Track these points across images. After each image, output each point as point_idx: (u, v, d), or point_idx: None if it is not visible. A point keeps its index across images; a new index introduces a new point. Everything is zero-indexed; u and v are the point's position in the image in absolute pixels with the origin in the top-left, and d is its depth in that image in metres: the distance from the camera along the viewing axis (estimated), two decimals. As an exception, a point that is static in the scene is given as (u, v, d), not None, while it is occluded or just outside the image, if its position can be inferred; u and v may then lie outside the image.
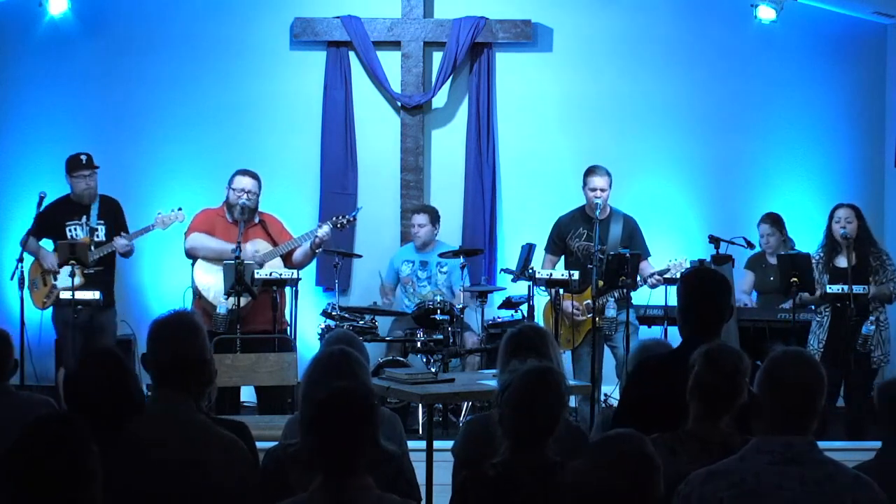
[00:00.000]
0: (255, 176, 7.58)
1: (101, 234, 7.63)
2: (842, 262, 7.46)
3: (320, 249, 7.66)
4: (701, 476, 3.02)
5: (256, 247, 7.47)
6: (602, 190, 7.56)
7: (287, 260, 7.61)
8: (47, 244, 7.65)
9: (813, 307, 7.56)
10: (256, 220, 7.59)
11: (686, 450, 3.37)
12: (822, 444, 3.08)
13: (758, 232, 8.09)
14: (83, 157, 7.60)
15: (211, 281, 7.43)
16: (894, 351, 7.90)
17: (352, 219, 7.82)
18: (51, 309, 7.62)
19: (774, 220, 8.08)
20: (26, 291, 7.50)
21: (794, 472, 2.96)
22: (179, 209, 7.68)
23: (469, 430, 4.29)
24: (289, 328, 7.46)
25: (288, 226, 7.81)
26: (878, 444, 3.81)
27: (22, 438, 2.73)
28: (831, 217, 7.57)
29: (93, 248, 7.40)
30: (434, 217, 8.37)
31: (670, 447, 3.36)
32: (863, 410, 7.29)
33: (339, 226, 7.73)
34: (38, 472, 2.68)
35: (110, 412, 3.22)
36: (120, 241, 7.55)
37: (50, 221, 7.52)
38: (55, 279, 7.54)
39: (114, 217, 7.72)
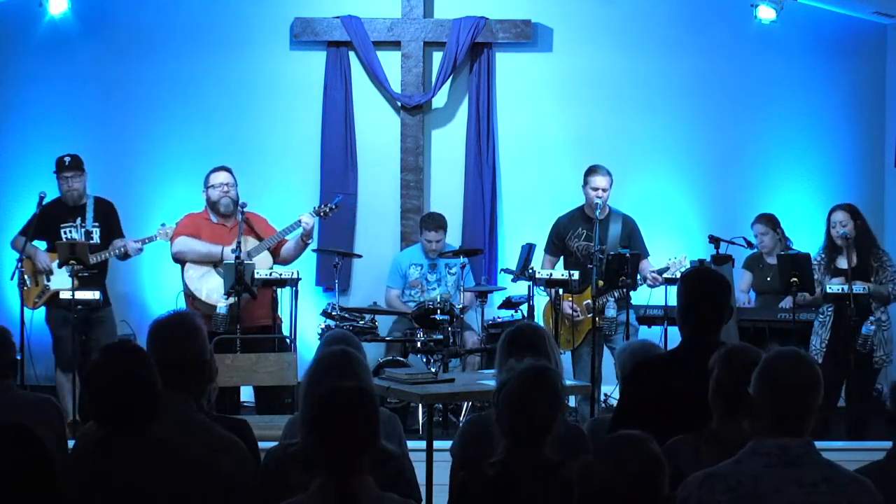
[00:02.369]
0: (229, 170, 7.64)
1: (96, 236, 7.64)
2: (843, 263, 7.45)
3: (310, 240, 7.67)
4: (698, 479, 3.01)
5: (245, 244, 7.48)
6: (604, 190, 7.56)
7: (276, 255, 7.62)
8: (40, 245, 7.64)
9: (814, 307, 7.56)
10: (239, 218, 7.59)
11: (710, 451, 3.36)
12: (822, 445, 3.08)
13: (752, 233, 8.10)
14: (67, 159, 7.62)
15: (202, 282, 7.45)
16: (896, 351, 7.89)
17: (334, 206, 7.81)
18: (43, 309, 7.63)
19: (768, 220, 8.08)
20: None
21: (791, 474, 2.96)
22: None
23: (467, 431, 4.29)
24: (283, 324, 7.48)
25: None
26: (879, 444, 3.80)
27: None
28: (829, 220, 7.56)
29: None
30: (446, 229, 8.36)
31: (694, 448, 3.35)
32: (864, 410, 7.29)
33: (322, 214, 7.74)
34: None
35: (132, 412, 3.18)
36: (133, 245, 7.58)
37: (44, 223, 7.52)
38: (47, 279, 7.54)
39: (108, 219, 7.73)
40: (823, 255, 7.53)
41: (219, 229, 7.50)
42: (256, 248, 7.49)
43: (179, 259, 7.54)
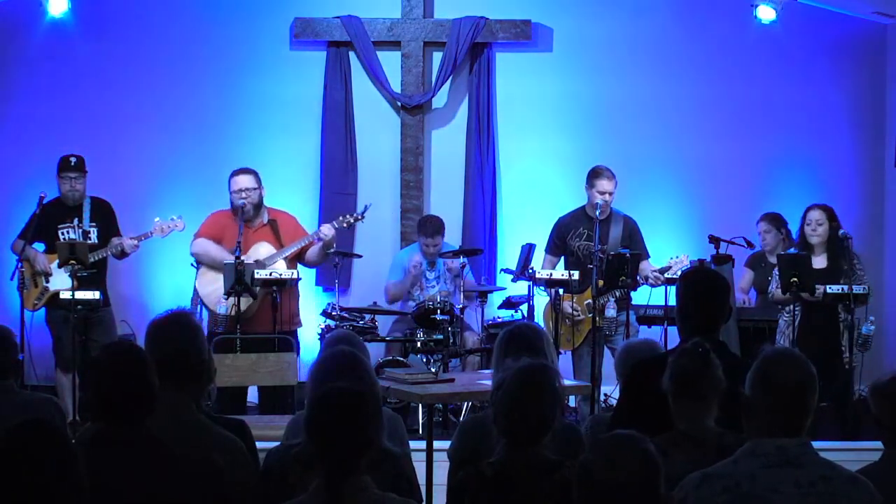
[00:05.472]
0: (249, 171, 7.58)
1: (93, 236, 7.64)
2: (816, 262, 7.43)
3: (331, 250, 7.67)
4: (695, 480, 3.02)
5: (258, 251, 7.44)
6: (610, 194, 7.56)
7: (301, 258, 7.62)
8: (38, 247, 7.65)
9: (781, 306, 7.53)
10: (265, 221, 7.57)
11: (681, 450, 3.37)
12: (818, 445, 3.08)
13: (756, 230, 8.11)
14: (72, 160, 7.62)
15: (210, 288, 7.44)
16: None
17: (360, 216, 7.80)
18: (43, 310, 7.63)
19: (772, 219, 8.09)
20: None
21: (788, 474, 2.96)
22: (179, 217, 7.69)
23: (463, 432, 4.29)
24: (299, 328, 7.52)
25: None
26: (873, 444, 3.80)
27: None
28: (803, 219, 7.53)
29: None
30: (444, 233, 8.34)
31: (662, 450, 3.36)
32: (855, 410, 7.27)
33: (345, 224, 7.74)
34: (12, 484, 2.65)
35: (132, 406, 3.20)
36: (129, 242, 7.58)
37: (42, 224, 7.52)
38: (46, 281, 7.54)
39: (106, 219, 7.73)
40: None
41: (243, 231, 7.48)
42: (271, 256, 7.46)
43: (196, 260, 7.56)
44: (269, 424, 5.85)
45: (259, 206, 7.55)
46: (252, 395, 7.84)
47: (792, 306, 7.27)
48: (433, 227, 8.24)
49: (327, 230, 7.54)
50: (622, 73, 9.03)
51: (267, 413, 7.29)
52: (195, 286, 7.58)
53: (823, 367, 7.00)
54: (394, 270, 8.46)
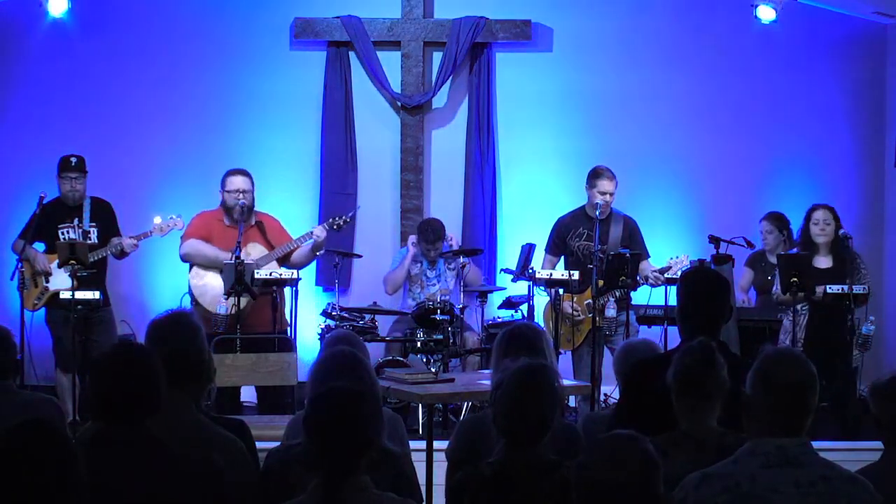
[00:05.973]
0: (246, 173, 7.60)
1: (93, 236, 7.64)
2: (820, 262, 7.43)
3: (321, 252, 7.67)
4: (695, 480, 3.02)
5: (250, 252, 7.44)
6: (611, 194, 7.56)
7: (286, 259, 7.63)
8: (38, 247, 7.65)
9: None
10: (253, 222, 7.58)
11: (682, 451, 3.37)
12: (818, 445, 3.07)
13: (759, 228, 8.11)
14: (73, 160, 7.62)
15: (205, 287, 7.44)
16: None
17: (348, 219, 7.82)
18: (43, 310, 7.63)
19: (775, 219, 8.09)
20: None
21: (788, 474, 2.96)
22: (179, 216, 7.69)
23: (462, 432, 4.30)
24: (289, 329, 7.47)
25: (288, 227, 7.82)
26: (873, 444, 3.80)
27: None
28: (808, 218, 7.53)
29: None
30: (444, 237, 8.32)
31: (662, 450, 3.36)
32: (856, 410, 7.27)
33: (335, 227, 7.74)
34: (12, 484, 2.64)
35: (132, 406, 3.19)
36: (128, 241, 7.58)
37: (42, 224, 7.52)
38: (46, 280, 7.54)
39: (106, 219, 7.73)
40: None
41: (231, 232, 7.46)
42: (265, 257, 7.47)
43: (187, 261, 7.56)
44: (269, 424, 5.85)
45: (251, 209, 7.56)
46: (246, 394, 7.85)
47: (799, 306, 7.29)
48: (434, 233, 8.21)
49: (320, 231, 7.57)
50: (622, 73, 9.03)
51: (264, 413, 7.29)
52: (189, 288, 7.59)
53: (829, 367, 7.09)
54: (393, 263, 8.47)
